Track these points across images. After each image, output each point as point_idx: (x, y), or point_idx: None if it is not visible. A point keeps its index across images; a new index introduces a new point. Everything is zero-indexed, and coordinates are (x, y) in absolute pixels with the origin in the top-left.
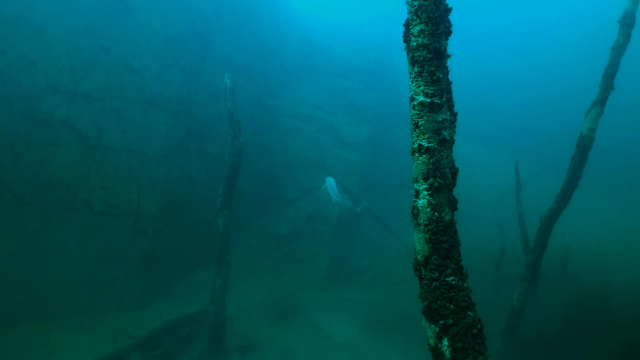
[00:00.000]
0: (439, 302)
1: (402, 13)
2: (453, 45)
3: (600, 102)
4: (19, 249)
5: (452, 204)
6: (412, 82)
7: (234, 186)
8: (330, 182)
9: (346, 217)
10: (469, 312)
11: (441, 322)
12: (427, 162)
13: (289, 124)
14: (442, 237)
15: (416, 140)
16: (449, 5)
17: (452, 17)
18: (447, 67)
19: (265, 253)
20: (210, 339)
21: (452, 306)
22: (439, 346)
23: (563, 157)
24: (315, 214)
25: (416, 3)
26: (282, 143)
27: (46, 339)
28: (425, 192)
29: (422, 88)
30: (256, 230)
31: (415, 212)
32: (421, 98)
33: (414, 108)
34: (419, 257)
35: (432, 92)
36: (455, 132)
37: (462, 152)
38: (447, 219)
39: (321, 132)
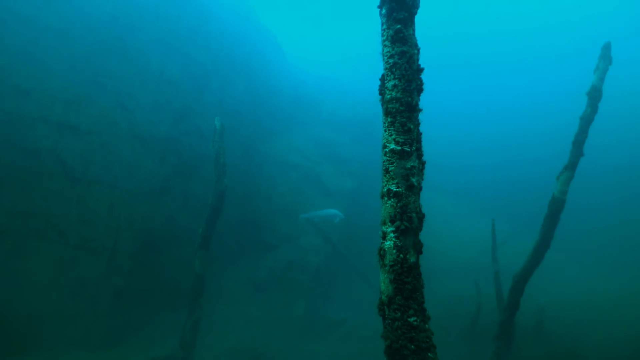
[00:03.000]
0: (400, 342)
1: None
2: (451, 110)
3: (571, 167)
4: None
5: (418, 247)
6: (385, 130)
7: (214, 227)
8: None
9: (326, 266)
10: (429, 354)
11: None
12: (395, 205)
13: (275, 171)
14: (406, 278)
15: (386, 185)
16: (422, 66)
17: (437, 80)
18: (418, 120)
19: (241, 299)
20: None
21: (412, 347)
22: None
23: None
24: (295, 262)
25: (391, 61)
26: (267, 189)
27: None
28: (392, 234)
29: (393, 137)
30: (233, 276)
31: (381, 253)
32: (392, 146)
33: (385, 155)
34: (383, 297)
35: (402, 140)
36: (422, 179)
37: (443, 208)
38: (411, 260)
39: (306, 181)
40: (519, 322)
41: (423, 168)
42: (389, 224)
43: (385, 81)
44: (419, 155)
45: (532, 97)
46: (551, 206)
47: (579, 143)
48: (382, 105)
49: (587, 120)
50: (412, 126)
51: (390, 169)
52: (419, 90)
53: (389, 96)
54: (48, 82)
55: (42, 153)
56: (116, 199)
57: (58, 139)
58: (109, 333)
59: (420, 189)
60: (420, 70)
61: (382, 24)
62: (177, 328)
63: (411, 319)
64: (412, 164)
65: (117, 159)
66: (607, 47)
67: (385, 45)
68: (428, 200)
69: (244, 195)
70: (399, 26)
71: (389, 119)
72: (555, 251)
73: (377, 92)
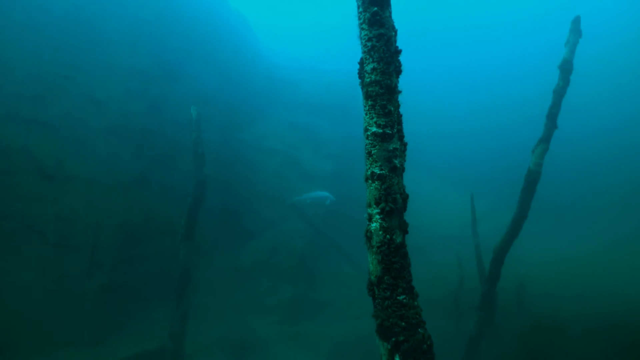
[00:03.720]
0: (390, 319)
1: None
2: (431, 90)
3: (545, 139)
4: None
5: (403, 227)
6: (366, 114)
7: (196, 218)
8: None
9: (310, 250)
10: (419, 330)
11: (393, 339)
12: (379, 188)
13: (254, 157)
14: (394, 258)
15: (369, 168)
16: (399, 48)
17: (416, 57)
18: (398, 102)
19: (227, 287)
20: None
21: (403, 323)
22: None
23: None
24: (279, 247)
25: (369, 44)
26: (246, 176)
27: None
28: (377, 216)
29: (374, 120)
30: (217, 265)
31: (368, 235)
32: (374, 129)
33: (367, 138)
34: (372, 277)
35: (384, 123)
36: (405, 161)
37: (424, 186)
38: (398, 241)
39: (285, 166)
40: (500, 292)
41: (405, 149)
42: (374, 206)
43: (365, 64)
44: (401, 136)
45: (509, 73)
46: (527, 178)
47: (552, 116)
48: (362, 88)
49: (559, 93)
50: (392, 108)
51: (372, 151)
52: (398, 72)
53: (368, 79)
54: (13, 78)
55: (12, 151)
56: (94, 195)
57: (28, 135)
58: (96, 329)
59: (403, 170)
60: (399, 52)
61: (359, 7)
62: (165, 320)
63: (400, 297)
64: (394, 146)
65: (92, 154)
66: (576, 21)
67: (362, 29)
68: (407, 177)
69: (223, 183)
70: (375, 9)
71: (370, 102)
72: (533, 222)
73: (354, 73)
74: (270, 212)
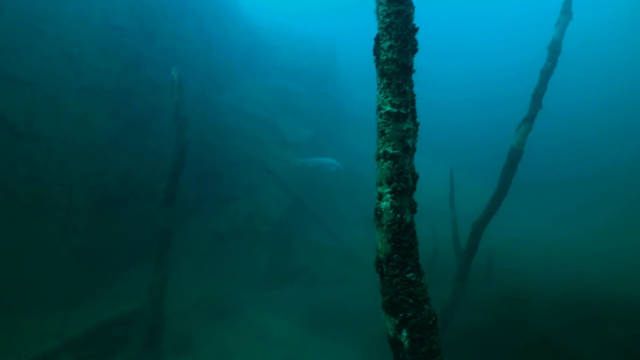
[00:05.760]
0: (399, 296)
1: (347, 19)
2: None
3: (530, 119)
4: None
5: (412, 207)
6: (380, 92)
7: (177, 183)
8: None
9: (287, 217)
10: (425, 306)
11: (401, 314)
12: (391, 167)
13: (231, 122)
14: (403, 237)
15: (382, 147)
16: (416, 25)
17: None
18: (412, 81)
19: (203, 252)
20: (146, 339)
21: (411, 300)
22: (398, 337)
23: (489, 166)
24: (256, 213)
25: (387, 20)
26: (224, 141)
27: None
28: (388, 195)
29: (389, 99)
30: (194, 229)
31: (378, 214)
32: (388, 108)
33: (380, 117)
34: (380, 255)
35: (398, 103)
36: (416, 141)
37: None
38: (407, 220)
39: (264, 132)
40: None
41: (417, 130)
42: (386, 185)
43: (381, 41)
44: (414, 117)
45: (497, 47)
46: (510, 157)
47: (538, 96)
48: (377, 66)
49: (547, 74)
50: (407, 88)
51: (386, 131)
52: (414, 50)
53: (384, 57)
54: None
55: None
56: (67, 155)
57: None
58: (71, 292)
59: (415, 150)
60: (416, 29)
61: None
62: (141, 283)
63: (409, 275)
64: (407, 126)
65: (65, 113)
66: (568, 2)
67: (380, 4)
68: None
69: (200, 147)
70: None
71: (385, 81)
72: (511, 200)
73: (335, 40)
74: (248, 177)
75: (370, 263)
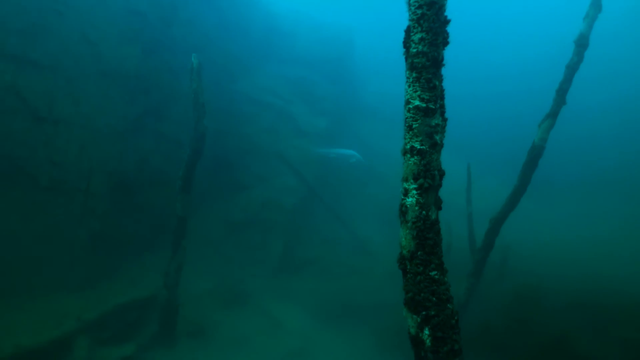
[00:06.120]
0: (422, 294)
1: (365, 8)
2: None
3: (553, 115)
4: None
5: (438, 204)
6: (409, 86)
7: (194, 170)
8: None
9: (300, 207)
10: (448, 305)
11: (423, 313)
12: (418, 163)
13: (247, 110)
14: (428, 234)
15: (409, 142)
16: (448, 17)
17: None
18: (442, 75)
19: (217, 240)
20: (160, 324)
21: (434, 299)
22: (420, 335)
23: (504, 161)
24: (270, 203)
25: (419, 12)
26: (239, 129)
27: None
28: (414, 192)
29: (418, 93)
30: (208, 216)
31: (403, 210)
32: (417, 102)
33: (409, 111)
34: (404, 252)
35: (427, 97)
36: (444, 137)
37: None
38: (433, 217)
39: (279, 121)
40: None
41: (445, 125)
42: (412, 181)
43: (411, 33)
44: (442, 112)
45: (516, 41)
46: (531, 153)
47: (562, 92)
48: (407, 58)
49: (572, 69)
50: (437, 82)
51: (414, 125)
52: (445, 43)
53: (414, 50)
54: None
55: (0, 89)
56: (87, 140)
57: (17, 74)
58: (87, 275)
59: (442, 146)
60: (447, 22)
61: None
62: (155, 268)
63: (432, 273)
64: (436, 122)
65: (84, 97)
66: None
67: None
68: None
69: (215, 134)
70: None
71: (414, 74)
72: (529, 196)
73: (352, 28)
74: (262, 166)
75: (381, 256)
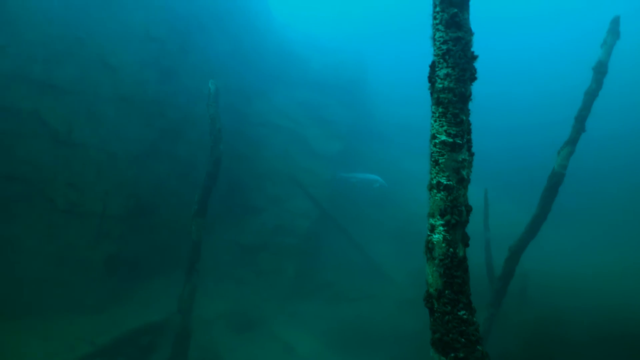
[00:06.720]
0: (450, 335)
1: (376, 32)
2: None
3: (572, 142)
4: None
5: (465, 241)
6: (436, 121)
7: (210, 194)
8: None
9: (314, 230)
10: (478, 347)
11: (452, 354)
12: (445, 199)
13: (260, 133)
14: (456, 272)
15: (435, 177)
16: (475, 53)
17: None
18: (469, 110)
19: (229, 263)
20: (173, 350)
21: (463, 340)
22: None
23: (519, 186)
24: (283, 226)
25: (444, 47)
26: (252, 152)
27: None
28: (441, 228)
29: (445, 128)
30: (221, 239)
31: (430, 246)
32: (443, 137)
33: (435, 146)
34: (431, 290)
35: (454, 132)
36: (471, 172)
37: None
38: (460, 254)
39: (292, 144)
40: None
41: (472, 160)
42: (438, 217)
43: (437, 69)
44: (469, 147)
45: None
46: (551, 180)
47: (582, 118)
48: (432, 94)
49: (591, 96)
50: (464, 117)
51: (440, 160)
52: (472, 79)
53: (440, 85)
54: (24, 36)
55: (23, 114)
56: (103, 163)
57: (39, 98)
58: (101, 298)
59: (469, 181)
60: (475, 57)
61: (436, 6)
62: (170, 292)
63: (461, 313)
64: (463, 157)
65: (103, 121)
66: (615, 22)
67: (438, 30)
68: (415, 164)
69: (229, 157)
70: (455, 10)
71: (440, 109)
72: (553, 225)
73: (362, 53)
74: (275, 189)
75: (397, 280)
